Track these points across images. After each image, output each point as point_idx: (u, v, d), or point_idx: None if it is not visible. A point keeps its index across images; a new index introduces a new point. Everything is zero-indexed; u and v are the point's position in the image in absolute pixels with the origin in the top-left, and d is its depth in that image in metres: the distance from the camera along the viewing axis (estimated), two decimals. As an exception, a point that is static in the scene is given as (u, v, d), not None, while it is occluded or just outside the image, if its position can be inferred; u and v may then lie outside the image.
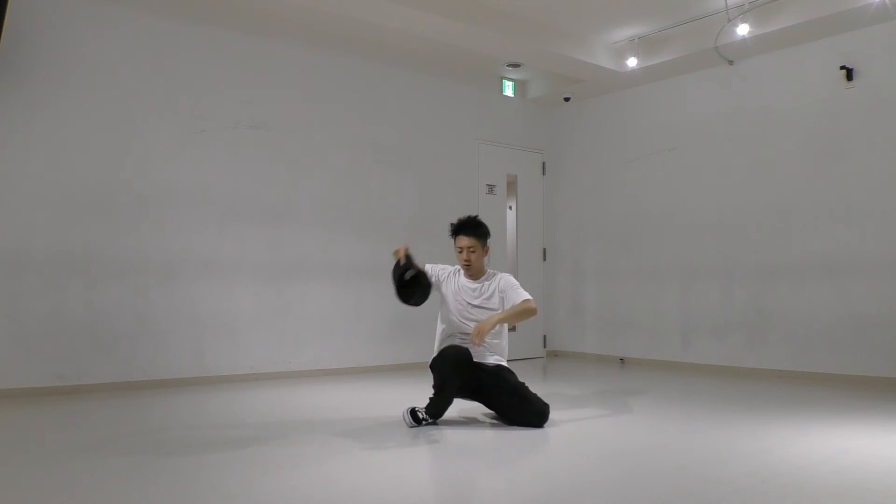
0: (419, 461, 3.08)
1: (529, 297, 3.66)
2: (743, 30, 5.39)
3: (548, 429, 3.58)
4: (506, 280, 3.75)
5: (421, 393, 4.79)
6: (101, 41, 4.88)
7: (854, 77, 5.30)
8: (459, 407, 3.95)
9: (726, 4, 5.32)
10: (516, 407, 3.57)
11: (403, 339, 6.10)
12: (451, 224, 3.80)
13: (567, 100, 7.26)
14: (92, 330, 4.72)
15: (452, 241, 3.78)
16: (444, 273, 3.84)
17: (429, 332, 6.11)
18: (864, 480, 2.56)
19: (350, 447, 3.12)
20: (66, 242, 4.67)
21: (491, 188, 6.92)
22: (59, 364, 4.59)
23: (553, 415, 3.88)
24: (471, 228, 3.72)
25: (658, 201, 6.57)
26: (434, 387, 3.59)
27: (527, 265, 7.28)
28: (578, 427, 3.62)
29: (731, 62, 6.02)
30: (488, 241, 3.80)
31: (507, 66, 6.73)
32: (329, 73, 5.94)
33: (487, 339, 3.59)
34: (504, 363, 3.76)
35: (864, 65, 5.27)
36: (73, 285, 4.68)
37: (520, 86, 7.32)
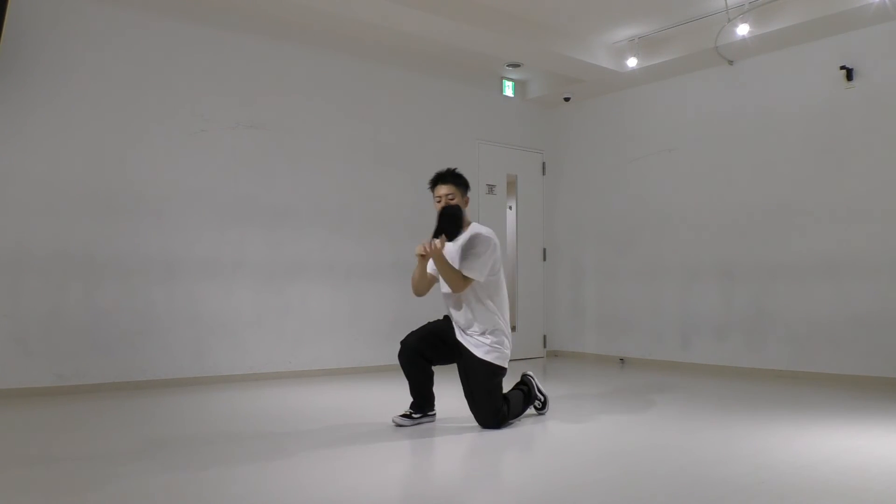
0: (419, 461, 3.08)
1: (470, 275, 3.43)
2: (743, 30, 5.39)
3: (548, 429, 3.58)
4: (472, 238, 3.52)
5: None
6: (101, 41, 4.88)
7: (854, 77, 5.30)
8: (459, 406, 3.95)
9: (726, 4, 5.32)
10: (470, 405, 3.57)
11: (403, 339, 6.10)
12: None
13: (567, 100, 7.26)
14: (92, 330, 4.72)
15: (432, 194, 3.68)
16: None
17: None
18: (864, 480, 2.56)
19: (350, 447, 3.12)
20: (66, 242, 4.67)
21: (491, 188, 6.92)
22: (59, 364, 4.59)
23: (553, 415, 3.89)
24: (449, 177, 3.63)
25: (658, 201, 6.57)
26: None
27: (527, 265, 7.28)
28: (578, 427, 3.62)
29: (731, 62, 6.02)
30: (468, 194, 3.69)
31: (507, 66, 6.73)
32: (329, 73, 5.94)
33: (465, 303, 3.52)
34: (481, 353, 3.50)
35: (864, 65, 5.27)
36: (73, 285, 4.68)
37: (520, 86, 7.32)
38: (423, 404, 3.65)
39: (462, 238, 3.58)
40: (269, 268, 5.50)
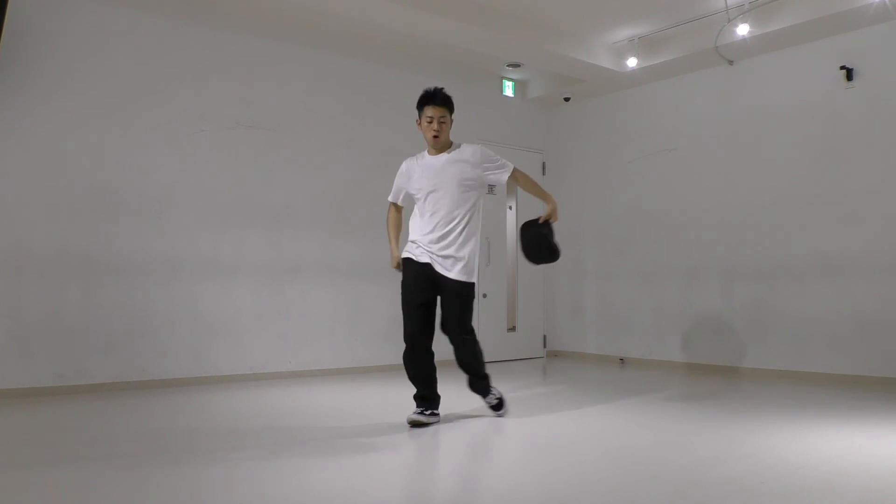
0: (419, 461, 3.08)
1: (510, 165, 3.80)
2: (743, 30, 5.39)
3: (548, 429, 3.58)
4: (479, 152, 3.70)
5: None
6: (101, 41, 4.88)
7: (854, 77, 5.30)
8: (459, 406, 3.95)
9: (726, 4, 5.32)
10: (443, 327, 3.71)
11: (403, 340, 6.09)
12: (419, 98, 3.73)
13: (567, 100, 7.26)
14: (92, 330, 4.72)
15: (417, 113, 3.72)
16: (405, 176, 3.78)
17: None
18: (865, 480, 2.56)
19: (350, 447, 3.12)
20: (66, 242, 4.67)
21: (491, 188, 6.88)
22: (59, 364, 4.59)
23: (553, 414, 3.89)
24: (441, 98, 3.67)
25: (658, 201, 6.57)
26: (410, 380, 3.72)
27: (527, 265, 7.25)
28: (578, 427, 3.62)
29: (731, 62, 6.02)
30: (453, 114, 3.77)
31: (507, 66, 6.73)
32: (329, 73, 5.94)
33: (452, 252, 3.60)
34: (463, 277, 3.62)
35: (864, 65, 5.27)
36: (73, 285, 4.68)
37: (520, 86, 7.32)
38: (432, 400, 3.66)
39: (453, 155, 3.68)
40: (268, 268, 5.50)
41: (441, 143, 3.70)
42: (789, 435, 3.36)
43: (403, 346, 3.64)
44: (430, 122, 3.65)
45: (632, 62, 6.19)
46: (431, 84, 6.73)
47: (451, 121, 3.75)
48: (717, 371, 5.93)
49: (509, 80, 7.21)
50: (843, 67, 5.33)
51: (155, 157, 5.04)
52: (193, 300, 5.14)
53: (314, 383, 5.24)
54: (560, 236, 7.37)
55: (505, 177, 3.78)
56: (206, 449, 3.09)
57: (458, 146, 3.74)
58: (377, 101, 6.21)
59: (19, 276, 4.51)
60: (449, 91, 3.77)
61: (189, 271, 5.13)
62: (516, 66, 6.71)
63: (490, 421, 3.72)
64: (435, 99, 3.66)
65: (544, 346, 7.33)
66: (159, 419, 3.83)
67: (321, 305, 5.76)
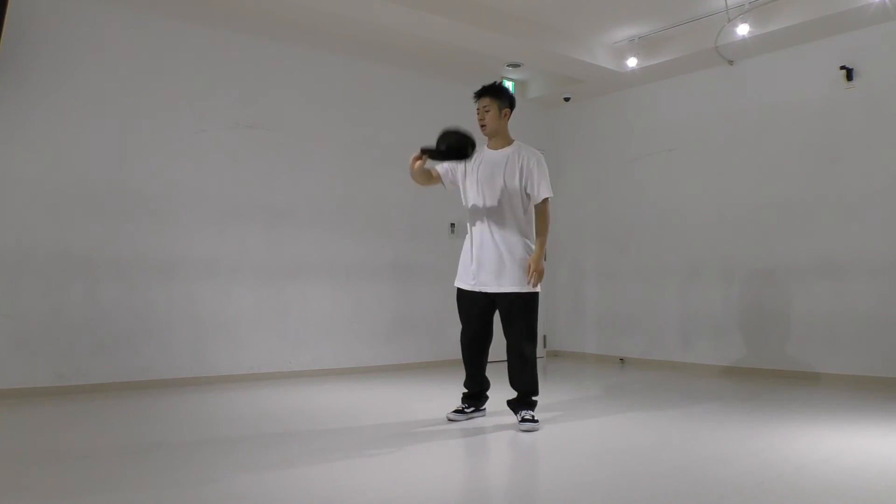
0: (419, 461, 3.08)
1: (549, 192, 3.64)
2: (743, 30, 5.39)
3: (548, 429, 3.58)
4: (531, 155, 3.67)
5: (421, 393, 4.80)
6: (100, 41, 4.88)
7: (854, 77, 5.30)
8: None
9: (726, 4, 5.32)
10: (510, 361, 3.65)
11: (403, 339, 6.09)
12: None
13: (567, 100, 7.26)
14: (92, 330, 4.72)
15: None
16: (457, 165, 3.77)
17: (429, 331, 6.14)
18: (864, 480, 2.56)
19: (350, 447, 3.13)
20: (66, 242, 4.67)
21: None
22: (59, 364, 4.59)
23: (553, 414, 3.89)
24: (488, 90, 3.74)
25: (658, 201, 6.57)
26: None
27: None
28: (578, 427, 3.62)
29: (731, 62, 6.02)
30: (508, 107, 3.79)
31: (507, 66, 6.72)
32: (329, 72, 5.94)
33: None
34: (521, 288, 3.55)
35: (864, 65, 5.27)
36: (73, 285, 4.68)
37: (520, 86, 7.31)
38: (474, 398, 3.77)
39: (509, 153, 3.71)
40: (268, 268, 5.50)
41: (489, 132, 3.75)
42: (789, 435, 3.36)
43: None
44: (477, 112, 3.77)
45: (632, 62, 6.19)
46: (431, 84, 6.77)
47: (504, 111, 3.75)
48: (717, 371, 5.93)
49: (509, 80, 7.20)
50: (843, 67, 5.33)
51: (155, 157, 5.04)
52: (193, 300, 5.14)
53: (314, 383, 5.24)
54: (560, 236, 7.41)
55: (538, 196, 3.67)
56: (204, 449, 3.09)
57: (520, 147, 3.75)
58: (377, 101, 6.20)
59: (19, 276, 4.51)
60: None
61: (189, 271, 5.13)
62: (516, 66, 6.70)
63: (490, 421, 3.72)
64: (482, 91, 3.76)
65: (544, 346, 7.33)
66: (159, 419, 3.83)
67: (321, 305, 5.76)
